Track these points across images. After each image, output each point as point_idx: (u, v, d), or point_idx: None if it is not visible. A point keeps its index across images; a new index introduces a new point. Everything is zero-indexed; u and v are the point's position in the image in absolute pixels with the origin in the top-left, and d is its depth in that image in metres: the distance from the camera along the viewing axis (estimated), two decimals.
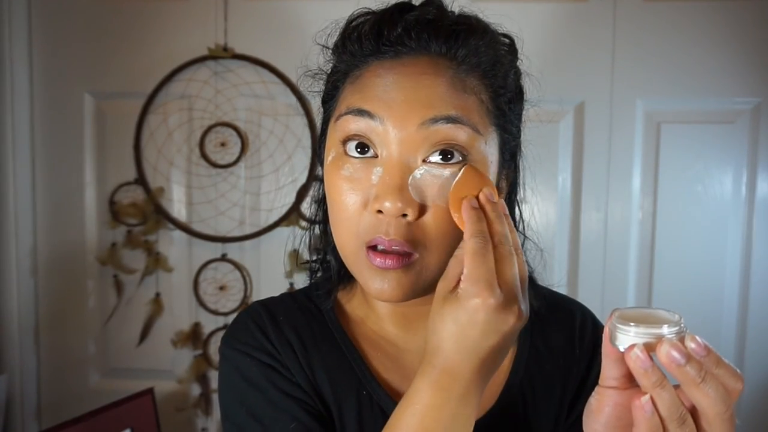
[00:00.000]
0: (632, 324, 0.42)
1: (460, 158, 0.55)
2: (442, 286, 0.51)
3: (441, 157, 0.54)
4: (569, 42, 1.49)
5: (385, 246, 0.54)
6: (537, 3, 1.48)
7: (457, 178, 0.54)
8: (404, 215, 0.54)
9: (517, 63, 0.64)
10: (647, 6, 1.47)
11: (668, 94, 1.48)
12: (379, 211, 0.54)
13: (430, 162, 0.55)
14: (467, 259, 0.49)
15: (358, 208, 0.56)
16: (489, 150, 0.57)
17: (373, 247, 0.55)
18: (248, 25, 1.53)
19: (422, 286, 0.57)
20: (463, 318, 0.49)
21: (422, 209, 0.54)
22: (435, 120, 0.54)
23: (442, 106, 0.54)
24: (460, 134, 0.54)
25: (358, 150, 0.56)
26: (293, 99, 1.52)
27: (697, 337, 0.42)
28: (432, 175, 0.54)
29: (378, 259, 0.55)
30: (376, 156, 0.56)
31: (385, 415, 0.62)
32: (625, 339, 0.43)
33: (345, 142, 0.57)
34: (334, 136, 0.58)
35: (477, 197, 0.53)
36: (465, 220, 0.51)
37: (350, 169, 0.56)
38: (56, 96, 1.59)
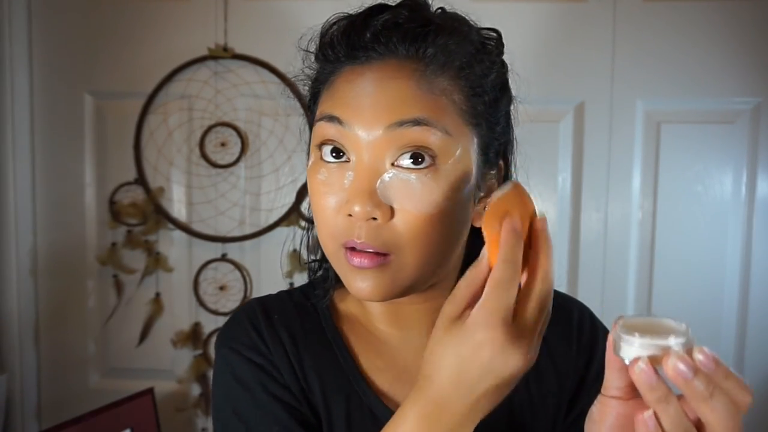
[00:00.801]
0: (637, 334, 0.41)
1: (431, 161, 0.55)
2: (448, 310, 0.49)
3: (411, 160, 0.54)
4: (569, 42, 1.49)
5: (358, 247, 0.55)
6: (536, 3, 1.48)
7: (503, 192, 0.50)
8: (374, 218, 0.54)
9: (502, 58, 0.63)
10: (647, 6, 1.47)
11: (668, 94, 1.48)
12: (350, 215, 0.55)
13: (399, 166, 0.55)
14: (490, 286, 0.46)
15: (334, 211, 0.56)
16: (463, 151, 0.56)
17: (351, 248, 0.56)
18: (248, 25, 1.54)
19: (401, 286, 0.57)
20: (465, 352, 0.46)
21: (393, 212, 0.55)
22: (401, 123, 0.54)
23: (408, 109, 0.54)
24: (428, 137, 0.54)
25: (333, 155, 0.57)
26: (293, 99, 1.52)
27: (705, 349, 0.40)
28: (400, 179, 0.55)
29: (355, 259, 0.55)
30: (348, 160, 0.56)
31: (373, 416, 0.62)
32: (630, 350, 0.41)
33: (320, 147, 0.58)
34: (312, 141, 0.60)
35: (531, 223, 0.50)
36: (501, 242, 0.47)
37: (325, 174, 0.57)
38: (56, 96, 1.59)
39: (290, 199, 1.55)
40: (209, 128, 1.55)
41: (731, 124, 1.47)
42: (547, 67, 1.45)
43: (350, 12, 0.61)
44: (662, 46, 1.47)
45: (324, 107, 0.58)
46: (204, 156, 1.55)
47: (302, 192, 1.54)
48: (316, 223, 0.60)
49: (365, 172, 0.55)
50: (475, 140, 0.58)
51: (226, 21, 1.54)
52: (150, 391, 1.48)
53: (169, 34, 1.55)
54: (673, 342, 0.40)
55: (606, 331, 0.71)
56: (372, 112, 0.55)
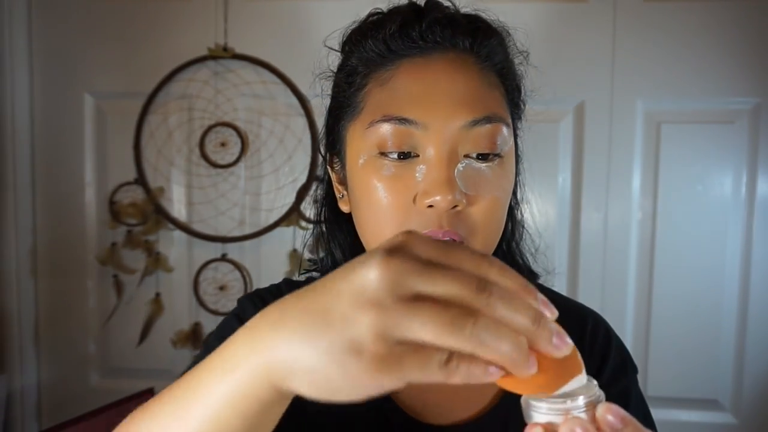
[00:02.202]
0: (543, 400, 0.38)
1: (498, 152, 0.57)
2: None
3: (479, 152, 0.57)
4: (569, 42, 1.49)
5: (439, 237, 0.55)
6: (537, 3, 1.49)
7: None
8: (454, 207, 0.55)
9: (514, 57, 0.66)
10: (647, 6, 1.47)
11: (668, 94, 1.48)
12: (430, 206, 0.55)
13: (470, 156, 0.57)
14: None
15: (404, 206, 0.56)
16: (512, 139, 0.60)
17: None
18: (248, 25, 1.53)
19: None
20: None
21: (468, 199, 0.56)
22: (476, 121, 0.56)
23: (480, 105, 0.56)
24: (497, 131, 0.57)
25: (397, 152, 0.57)
26: (293, 99, 1.52)
27: (613, 406, 0.37)
28: (473, 168, 0.56)
29: None
30: (417, 155, 0.57)
31: (377, 412, 0.63)
32: (539, 417, 0.39)
33: (382, 146, 0.57)
34: (366, 141, 0.58)
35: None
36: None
37: (391, 169, 0.57)
38: (56, 96, 1.59)
39: (290, 199, 1.55)
40: (209, 128, 1.55)
41: (731, 124, 1.47)
42: (547, 67, 1.44)
43: (383, 9, 0.63)
44: (662, 46, 1.47)
45: (387, 108, 0.57)
46: (204, 156, 1.55)
47: (302, 192, 1.54)
48: (373, 222, 0.59)
49: (442, 164, 0.55)
50: (513, 129, 0.62)
51: (226, 21, 1.54)
52: (150, 391, 1.48)
53: (169, 34, 1.55)
54: (571, 405, 0.38)
55: (620, 344, 0.71)
56: (448, 109, 0.56)
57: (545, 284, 0.75)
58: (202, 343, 0.72)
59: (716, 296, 1.49)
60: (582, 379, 0.39)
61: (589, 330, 0.70)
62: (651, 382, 1.50)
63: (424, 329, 0.34)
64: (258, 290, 0.72)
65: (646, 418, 0.67)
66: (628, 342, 1.50)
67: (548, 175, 1.52)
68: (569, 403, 0.38)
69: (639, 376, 0.72)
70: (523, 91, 0.66)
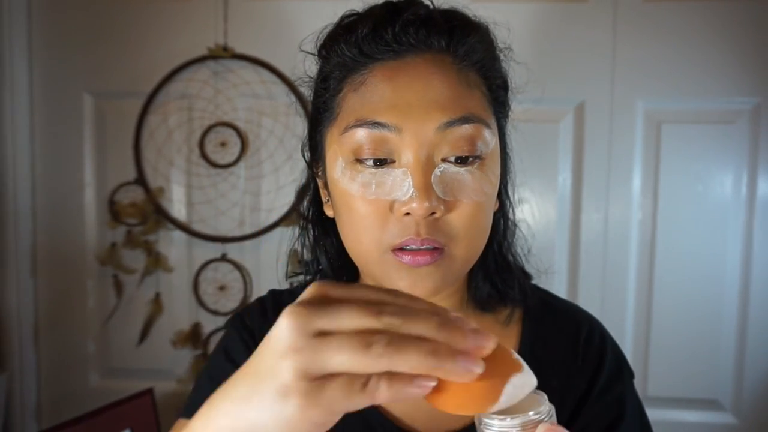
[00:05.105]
0: (495, 417, 0.40)
1: (477, 154, 0.56)
2: None
3: (457, 155, 0.55)
4: (569, 42, 1.49)
5: (416, 245, 0.55)
6: (537, 3, 1.48)
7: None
8: (432, 213, 0.54)
9: (498, 53, 0.64)
10: (647, 6, 1.47)
11: (668, 94, 1.48)
12: (407, 214, 0.54)
13: (448, 160, 0.55)
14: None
15: (382, 214, 0.55)
16: (496, 141, 0.59)
17: (402, 249, 0.55)
18: (248, 25, 1.53)
19: (451, 279, 0.58)
20: None
21: (447, 205, 0.55)
22: (451, 122, 0.54)
23: (456, 107, 0.55)
24: (475, 132, 0.55)
25: (374, 158, 0.56)
26: (293, 99, 1.52)
27: (555, 427, 0.39)
28: (451, 172, 0.55)
29: (408, 257, 0.55)
30: (393, 161, 0.55)
31: (365, 420, 0.62)
32: None
33: (357, 152, 0.56)
34: (342, 147, 0.57)
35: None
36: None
37: (367, 176, 0.56)
38: (56, 96, 1.59)
39: (290, 199, 1.55)
40: (209, 128, 1.55)
41: (731, 124, 1.47)
42: (547, 67, 1.45)
43: (358, 11, 0.61)
44: (662, 46, 1.47)
45: (360, 112, 0.56)
46: (204, 156, 1.55)
47: (302, 192, 1.53)
48: (353, 230, 0.58)
49: (419, 169, 0.54)
50: (497, 130, 0.61)
51: (226, 21, 1.53)
52: (150, 391, 1.48)
53: (169, 34, 1.55)
54: (509, 423, 0.39)
55: (616, 349, 0.69)
56: (422, 112, 0.54)
57: (540, 284, 0.75)
58: (199, 374, 0.71)
59: (717, 296, 1.49)
60: (526, 379, 0.39)
61: (584, 335, 0.68)
62: (651, 382, 1.50)
63: (336, 358, 0.36)
64: (242, 313, 0.72)
65: (643, 426, 0.66)
66: (628, 342, 1.50)
67: (548, 175, 1.52)
68: (512, 420, 0.39)
69: (639, 377, 0.71)
70: (510, 88, 0.64)
